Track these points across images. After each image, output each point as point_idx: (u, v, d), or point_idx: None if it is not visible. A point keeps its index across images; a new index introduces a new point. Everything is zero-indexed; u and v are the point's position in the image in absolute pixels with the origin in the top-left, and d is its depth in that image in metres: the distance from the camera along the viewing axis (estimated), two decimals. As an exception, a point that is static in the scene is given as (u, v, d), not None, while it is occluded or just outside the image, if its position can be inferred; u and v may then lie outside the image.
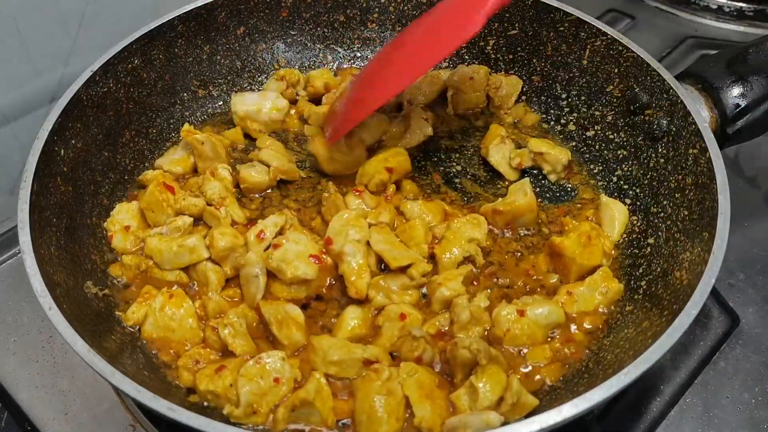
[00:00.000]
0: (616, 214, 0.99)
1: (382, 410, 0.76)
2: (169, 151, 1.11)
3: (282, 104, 1.15)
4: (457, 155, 1.11)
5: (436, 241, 0.96)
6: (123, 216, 0.97)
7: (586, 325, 0.89)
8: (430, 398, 0.77)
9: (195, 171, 1.08)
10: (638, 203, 1.01)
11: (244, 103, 1.14)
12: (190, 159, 1.07)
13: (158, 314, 0.87)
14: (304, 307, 0.89)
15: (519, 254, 0.97)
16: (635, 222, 0.99)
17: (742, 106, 0.95)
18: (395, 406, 0.76)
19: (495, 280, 0.94)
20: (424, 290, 0.92)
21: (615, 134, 1.08)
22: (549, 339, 0.87)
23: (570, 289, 0.90)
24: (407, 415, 0.77)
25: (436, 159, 1.11)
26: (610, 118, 1.09)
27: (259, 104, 1.14)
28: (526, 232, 1.00)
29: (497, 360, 0.80)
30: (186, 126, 1.07)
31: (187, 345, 0.87)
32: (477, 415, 0.74)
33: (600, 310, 0.89)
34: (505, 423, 0.73)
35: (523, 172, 1.08)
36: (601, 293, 0.89)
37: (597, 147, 1.10)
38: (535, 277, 0.94)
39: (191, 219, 0.97)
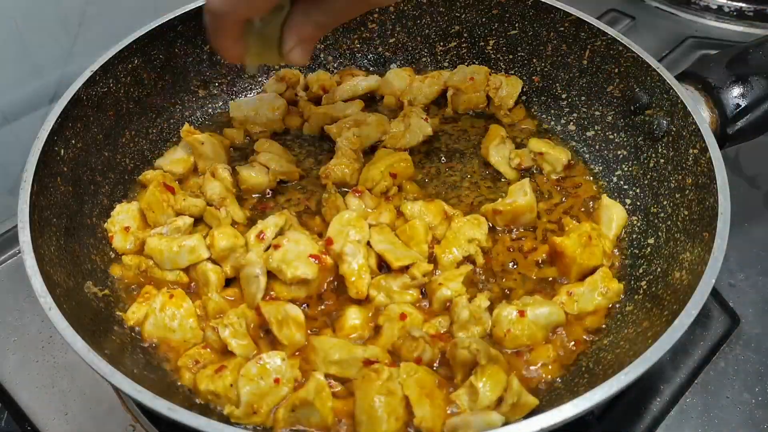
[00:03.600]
0: (614, 216, 0.99)
1: (382, 410, 0.75)
2: (169, 151, 1.11)
3: (279, 104, 1.15)
4: (458, 155, 1.11)
5: (437, 241, 0.96)
6: (123, 216, 0.97)
7: (587, 326, 0.89)
8: (430, 398, 0.77)
9: (195, 171, 1.08)
10: (638, 203, 1.01)
11: (240, 108, 1.14)
12: (190, 159, 1.07)
13: (158, 314, 0.87)
14: (304, 307, 0.89)
15: (519, 254, 0.97)
16: (635, 222, 0.99)
17: (743, 106, 0.95)
18: (395, 406, 0.76)
19: (495, 280, 0.94)
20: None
21: (615, 134, 1.08)
22: (550, 339, 0.87)
23: (570, 289, 0.90)
24: (407, 416, 0.77)
25: (435, 159, 1.11)
26: (610, 118, 1.09)
27: (256, 107, 1.14)
28: (526, 232, 1.00)
29: (497, 360, 0.80)
30: (186, 126, 1.07)
31: (187, 345, 0.87)
32: (478, 415, 0.74)
33: (600, 310, 0.89)
34: (505, 423, 0.73)
35: (523, 172, 1.08)
36: (601, 293, 0.89)
37: (597, 147, 1.10)
38: (535, 277, 0.94)
39: (191, 219, 0.97)
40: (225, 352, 0.85)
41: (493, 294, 0.92)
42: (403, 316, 0.86)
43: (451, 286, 0.89)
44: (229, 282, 0.94)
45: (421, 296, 0.91)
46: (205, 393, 0.80)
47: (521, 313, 0.86)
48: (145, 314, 0.88)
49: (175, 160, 1.08)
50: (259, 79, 1.23)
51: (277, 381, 0.79)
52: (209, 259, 0.93)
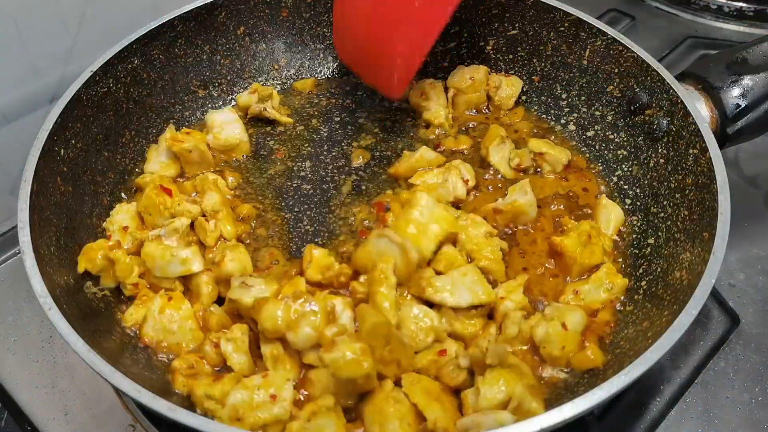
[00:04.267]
0: (612, 215, 0.98)
1: (393, 416, 0.75)
2: (151, 154, 1.08)
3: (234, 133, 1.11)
4: (458, 155, 1.11)
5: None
6: (122, 216, 0.97)
7: (603, 320, 0.88)
8: (438, 401, 0.77)
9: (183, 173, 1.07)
10: (638, 203, 1.01)
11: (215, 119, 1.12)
12: (177, 162, 1.07)
13: (157, 317, 0.87)
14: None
15: (520, 254, 0.97)
16: (635, 222, 0.99)
17: (743, 106, 0.95)
18: (405, 412, 0.75)
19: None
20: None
21: (615, 134, 1.08)
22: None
23: (575, 287, 0.90)
24: (418, 422, 0.76)
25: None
26: (610, 118, 1.09)
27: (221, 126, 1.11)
28: (526, 231, 1.00)
29: (516, 366, 0.78)
30: (170, 132, 1.06)
31: (187, 348, 0.86)
32: (490, 414, 0.73)
33: (606, 305, 0.89)
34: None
35: (523, 172, 1.08)
36: (606, 289, 0.89)
37: (597, 147, 1.10)
38: (541, 273, 0.94)
39: (188, 221, 0.95)
40: (221, 368, 0.84)
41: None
42: (442, 352, 0.83)
43: (513, 297, 0.87)
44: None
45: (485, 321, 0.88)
46: (201, 398, 0.78)
47: (564, 327, 0.84)
48: (144, 316, 0.88)
49: (164, 164, 1.06)
50: (259, 79, 1.23)
51: (273, 398, 0.77)
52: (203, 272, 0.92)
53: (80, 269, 0.88)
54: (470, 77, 1.16)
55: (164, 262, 0.91)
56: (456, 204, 1.02)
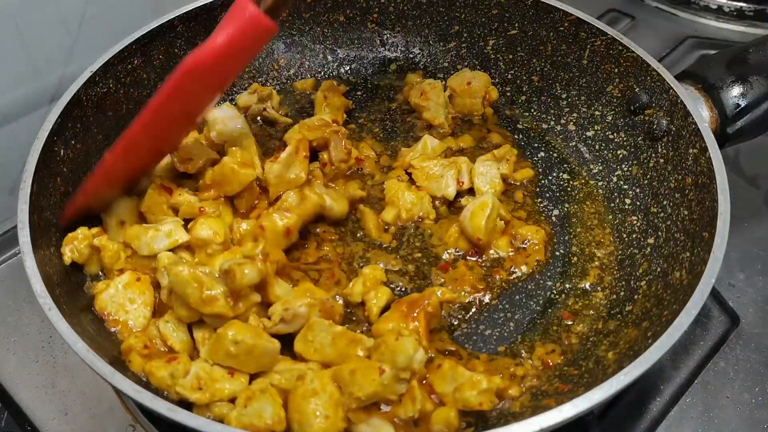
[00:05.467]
0: None
1: (312, 413, 0.74)
2: None
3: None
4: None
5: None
6: (122, 210, 0.95)
7: None
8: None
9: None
10: (638, 203, 1.01)
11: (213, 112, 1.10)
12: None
13: (120, 289, 0.86)
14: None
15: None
16: (635, 222, 0.99)
17: (742, 105, 0.95)
18: (323, 404, 0.75)
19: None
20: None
21: (615, 134, 1.08)
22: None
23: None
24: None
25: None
26: (610, 118, 1.09)
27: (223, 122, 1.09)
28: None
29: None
30: None
31: (131, 329, 0.85)
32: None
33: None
34: (503, 423, 0.73)
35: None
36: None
37: (597, 147, 1.10)
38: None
39: (181, 222, 0.93)
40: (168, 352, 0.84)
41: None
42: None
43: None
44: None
45: None
46: (160, 379, 0.77)
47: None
48: (107, 285, 0.87)
49: (163, 164, 1.05)
50: (259, 79, 1.23)
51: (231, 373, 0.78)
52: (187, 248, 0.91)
53: (66, 261, 0.88)
54: (468, 82, 1.15)
55: (149, 238, 0.90)
56: (443, 201, 1.03)
